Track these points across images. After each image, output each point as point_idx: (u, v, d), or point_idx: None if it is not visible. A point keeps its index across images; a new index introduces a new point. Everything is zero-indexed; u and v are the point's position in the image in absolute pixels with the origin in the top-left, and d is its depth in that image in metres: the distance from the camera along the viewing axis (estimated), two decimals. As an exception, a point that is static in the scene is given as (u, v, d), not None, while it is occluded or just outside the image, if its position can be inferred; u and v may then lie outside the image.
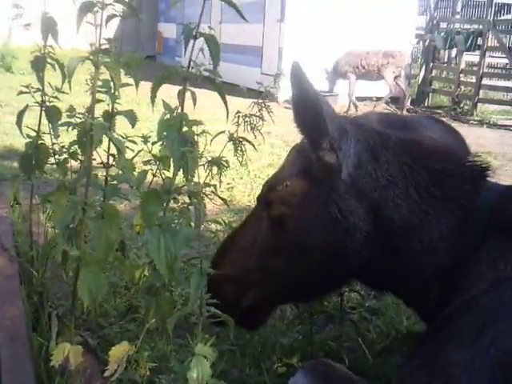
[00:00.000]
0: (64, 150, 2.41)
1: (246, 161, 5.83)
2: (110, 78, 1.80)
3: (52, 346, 1.74)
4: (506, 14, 19.03)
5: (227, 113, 1.74)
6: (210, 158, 2.12)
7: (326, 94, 10.76)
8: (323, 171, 1.80)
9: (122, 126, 2.08)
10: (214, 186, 1.69)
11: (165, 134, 1.65)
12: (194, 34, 1.66)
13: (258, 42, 13.83)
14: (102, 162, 2.12)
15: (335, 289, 2.14)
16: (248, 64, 13.99)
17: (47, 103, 2.32)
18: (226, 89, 1.83)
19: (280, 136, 7.62)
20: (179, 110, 1.72)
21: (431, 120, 2.20)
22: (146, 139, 1.89)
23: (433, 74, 14.22)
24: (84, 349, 1.94)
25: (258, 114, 2.35)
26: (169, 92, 1.80)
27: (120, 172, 2.06)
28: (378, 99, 11.89)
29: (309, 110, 1.74)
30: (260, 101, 2.35)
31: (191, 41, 1.67)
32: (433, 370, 1.52)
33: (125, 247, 2.60)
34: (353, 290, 2.73)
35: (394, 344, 2.37)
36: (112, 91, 1.88)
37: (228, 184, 5.31)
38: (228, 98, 1.83)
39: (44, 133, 2.39)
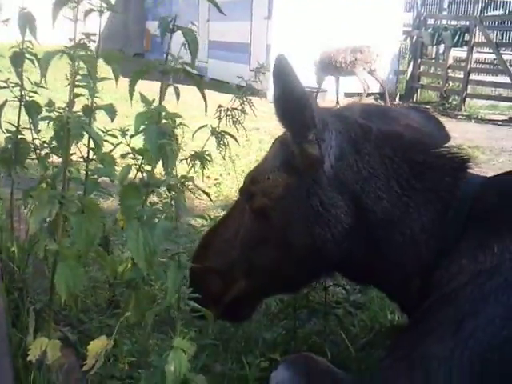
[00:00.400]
0: (45, 145, 2.39)
1: (232, 156, 5.82)
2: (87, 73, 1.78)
3: (29, 341, 1.72)
4: (493, 10, 19.08)
5: (205, 105, 1.72)
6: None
7: (312, 89, 10.80)
8: (306, 163, 1.80)
9: (105, 121, 2.06)
10: (192, 178, 1.67)
11: (143, 126, 1.63)
12: (171, 27, 1.64)
13: (246, 39, 13.81)
14: (82, 157, 2.10)
15: (317, 280, 2.14)
16: (236, 61, 13.96)
17: (27, 98, 2.30)
18: (214, 86, 1.83)
19: (268, 132, 7.60)
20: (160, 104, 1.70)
21: (412, 110, 2.21)
22: (124, 132, 1.86)
23: (421, 70, 14.25)
24: (64, 344, 1.94)
25: (240, 108, 2.33)
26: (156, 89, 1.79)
27: (100, 166, 2.05)
28: (369, 95, 11.91)
29: (295, 102, 1.73)
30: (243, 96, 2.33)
31: (168, 34, 1.64)
32: (412, 362, 1.52)
33: (108, 242, 2.59)
34: (338, 285, 2.73)
35: (378, 338, 2.37)
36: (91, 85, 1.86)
37: (215, 180, 5.30)
38: (217, 94, 1.83)
39: (24, 128, 2.36)
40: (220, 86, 10.11)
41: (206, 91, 1.79)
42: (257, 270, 1.96)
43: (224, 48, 14.65)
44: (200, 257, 2.10)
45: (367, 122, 1.86)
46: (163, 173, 1.68)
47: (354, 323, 2.58)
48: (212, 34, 15.68)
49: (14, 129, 2.36)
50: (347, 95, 11.82)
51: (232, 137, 2.19)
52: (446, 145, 1.86)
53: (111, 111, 1.97)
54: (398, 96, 13.45)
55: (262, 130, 7.97)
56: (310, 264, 1.88)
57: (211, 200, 2.25)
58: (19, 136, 2.36)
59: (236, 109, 2.31)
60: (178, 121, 1.69)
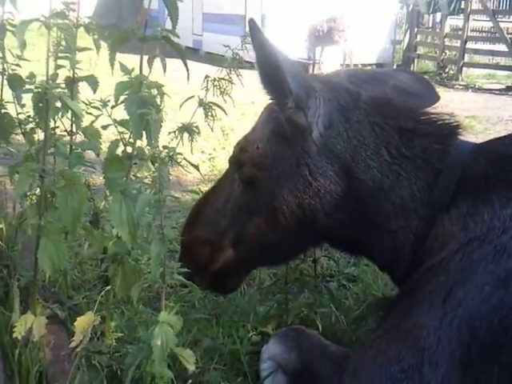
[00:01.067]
0: (30, 119, 2.34)
1: (226, 130, 5.77)
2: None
3: (15, 318, 1.70)
4: (490, -23, 18.88)
5: (187, 74, 1.68)
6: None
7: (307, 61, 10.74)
8: (293, 132, 1.78)
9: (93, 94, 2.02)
10: (173, 148, 1.63)
11: (123, 96, 1.59)
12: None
13: (241, 11, 13.65)
14: (65, 130, 2.06)
15: (307, 250, 2.12)
16: (231, 33, 13.82)
17: (9, 71, 2.24)
18: (209, 59, 1.78)
19: (264, 105, 7.53)
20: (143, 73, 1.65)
21: (400, 71, 2.17)
22: (104, 103, 1.82)
23: (417, 40, 14.13)
24: (53, 321, 1.92)
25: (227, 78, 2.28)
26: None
27: (85, 140, 2.01)
28: (364, 66, 11.82)
29: (268, 68, 1.70)
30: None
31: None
32: (403, 332, 1.51)
33: (98, 219, 2.55)
34: (331, 258, 2.71)
35: (370, 310, 2.35)
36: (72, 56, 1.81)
37: (209, 154, 5.26)
38: (211, 68, 1.79)
39: (8, 102, 2.31)
40: (214, 59, 10.04)
41: (201, 64, 1.75)
42: (245, 240, 1.94)
43: (219, 20, 14.49)
44: (190, 226, 2.09)
45: (356, 88, 1.83)
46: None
47: (347, 296, 2.56)
48: (206, 6, 15.51)
49: (-4, 103, 2.31)
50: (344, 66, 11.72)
51: (219, 107, 2.14)
52: (437, 111, 1.82)
53: (93, 82, 1.92)
54: (395, 66, 13.35)
55: (257, 103, 7.90)
56: (299, 234, 1.86)
57: (200, 173, 2.21)
58: (3, 110, 2.30)
59: (223, 79, 2.25)
60: (161, 90, 1.65)
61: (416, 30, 14.00)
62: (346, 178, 1.75)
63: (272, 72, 1.70)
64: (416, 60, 13.82)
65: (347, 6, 11.74)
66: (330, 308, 2.31)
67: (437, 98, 2.02)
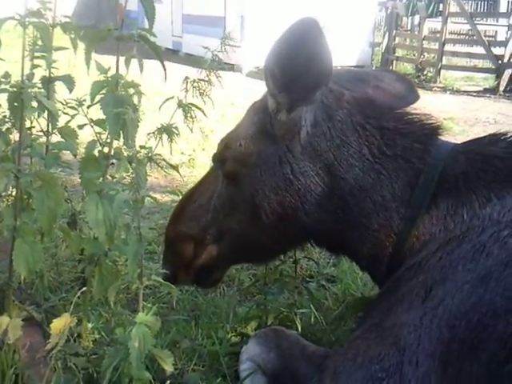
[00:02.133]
0: (6, 119, 2.31)
1: (206, 132, 5.75)
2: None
3: (-11, 321, 1.67)
4: (468, -20, 19.08)
5: (165, 74, 1.66)
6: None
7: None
8: (285, 129, 1.79)
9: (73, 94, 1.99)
10: (150, 148, 1.61)
11: (99, 96, 1.57)
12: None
13: (221, 13, 13.63)
14: (41, 130, 2.03)
15: (289, 249, 2.12)
16: (211, 35, 13.81)
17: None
18: (190, 61, 1.76)
19: (244, 107, 7.50)
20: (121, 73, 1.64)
21: (383, 71, 2.18)
22: (80, 103, 1.80)
23: (396, 42, 14.21)
24: (30, 323, 1.89)
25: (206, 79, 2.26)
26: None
27: (62, 140, 1.99)
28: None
29: (311, 63, 1.66)
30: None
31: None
32: (382, 332, 1.51)
33: (76, 220, 2.53)
34: (309, 258, 2.71)
35: (349, 310, 2.35)
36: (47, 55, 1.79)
37: (189, 155, 5.23)
38: (192, 69, 1.77)
39: (-17, 102, 2.28)
40: (196, 60, 10.04)
41: (180, 66, 1.74)
42: (227, 236, 1.96)
43: (199, 22, 14.44)
44: (174, 222, 2.11)
45: (339, 88, 1.84)
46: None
47: (326, 296, 2.56)
48: (186, 7, 15.46)
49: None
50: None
51: (198, 109, 2.13)
52: (419, 111, 1.83)
53: (69, 82, 1.90)
54: (374, 68, 13.42)
55: (237, 105, 7.91)
56: (280, 232, 1.87)
57: (179, 173, 2.20)
58: (-24, 110, 2.27)
59: (202, 80, 2.24)
60: (137, 90, 1.64)
61: (395, 32, 14.08)
62: (328, 176, 1.76)
63: (307, 70, 1.67)
64: (395, 62, 13.90)
65: (326, 7, 11.77)
66: (310, 308, 2.31)
67: (417, 98, 2.04)
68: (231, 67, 12.01)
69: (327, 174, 1.76)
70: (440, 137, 1.79)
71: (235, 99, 8.21)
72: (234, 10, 12.90)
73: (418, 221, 1.67)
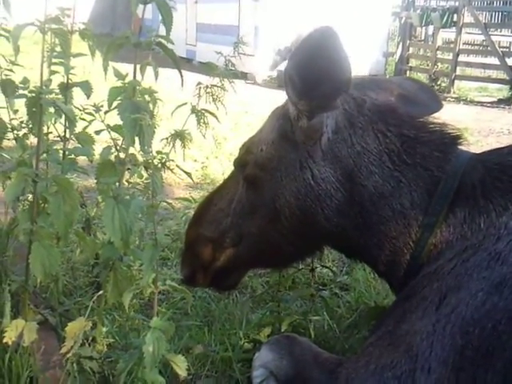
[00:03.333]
0: (23, 125, 2.33)
1: (219, 139, 5.80)
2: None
3: (5, 323, 1.68)
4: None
5: (182, 80, 1.67)
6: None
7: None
8: (307, 135, 1.80)
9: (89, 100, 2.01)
10: (166, 154, 1.63)
11: (116, 102, 1.58)
12: (145, -2, 1.58)
13: (235, 21, 13.69)
14: (58, 136, 2.05)
15: (307, 255, 2.12)
16: (225, 43, 13.85)
17: (2, 77, 2.24)
18: (203, 69, 1.78)
19: (257, 115, 7.55)
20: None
21: (405, 79, 2.19)
22: (98, 108, 1.82)
23: (410, 52, 14.19)
24: (44, 327, 1.91)
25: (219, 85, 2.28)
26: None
27: (78, 145, 2.01)
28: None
29: (332, 70, 1.67)
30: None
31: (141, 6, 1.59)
32: (395, 339, 1.51)
33: (90, 225, 2.54)
34: (325, 267, 2.72)
35: (362, 318, 2.35)
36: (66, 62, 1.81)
37: (202, 163, 5.25)
38: (205, 78, 1.79)
39: (1, 107, 2.31)
40: (208, 69, 10.09)
41: (194, 74, 1.75)
42: (246, 240, 1.97)
43: (212, 31, 14.51)
44: (194, 224, 2.13)
45: (361, 95, 1.84)
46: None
47: (339, 304, 2.56)
48: (200, 16, 15.53)
49: (-13, 108, 2.30)
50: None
51: (212, 114, 2.14)
52: (440, 120, 1.84)
53: (87, 88, 1.92)
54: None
55: (250, 113, 7.93)
56: (299, 237, 1.88)
57: (192, 180, 2.21)
58: (-6, 115, 2.30)
59: (215, 85, 2.25)
60: (153, 97, 1.65)
61: (408, 42, 14.07)
62: (348, 183, 1.77)
63: (329, 77, 1.68)
64: (408, 72, 13.87)
65: (339, 17, 11.79)
66: (323, 316, 2.30)
67: (440, 107, 2.05)
68: (245, 76, 12.05)
69: (347, 181, 1.77)
70: (460, 146, 1.80)
71: (249, 108, 8.24)
72: (248, 19, 12.95)
73: (435, 229, 1.68)
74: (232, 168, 2.12)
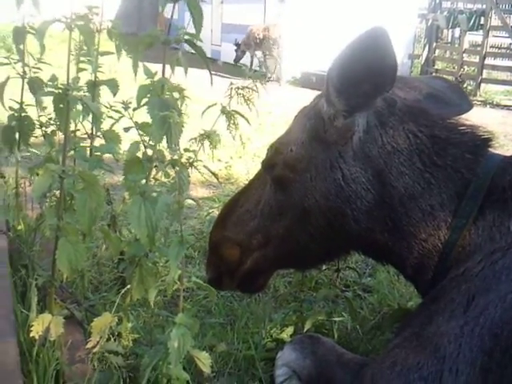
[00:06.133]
0: (51, 122, 2.36)
1: (241, 137, 5.80)
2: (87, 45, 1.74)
3: (32, 318, 1.70)
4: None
5: (211, 78, 1.68)
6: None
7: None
8: (339, 135, 1.78)
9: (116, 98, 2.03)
10: (194, 151, 1.63)
11: (145, 99, 1.59)
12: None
13: (260, 22, 13.69)
14: (86, 133, 2.07)
15: (335, 256, 2.10)
16: (250, 44, 13.87)
17: (31, 75, 2.27)
18: (227, 70, 1.77)
19: (281, 116, 7.55)
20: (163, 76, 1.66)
21: (434, 78, 2.16)
22: (126, 105, 1.83)
23: (436, 54, 14.09)
24: (70, 321, 1.93)
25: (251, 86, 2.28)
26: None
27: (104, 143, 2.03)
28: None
29: (379, 69, 1.65)
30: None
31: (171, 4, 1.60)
32: (422, 340, 1.50)
33: (116, 221, 2.56)
34: (351, 268, 2.71)
35: (386, 320, 2.34)
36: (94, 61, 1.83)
37: (226, 163, 5.26)
38: (229, 78, 1.78)
39: (29, 105, 2.33)
40: (234, 70, 10.13)
41: (219, 75, 1.74)
42: (274, 241, 1.95)
43: (238, 31, 14.51)
44: (219, 226, 2.10)
45: (391, 95, 1.81)
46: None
47: (362, 306, 2.55)
48: (225, 16, 15.57)
49: (17, 106, 2.33)
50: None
51: (243, 116, 2.14)
52: (471, 121, 1.82)
53: (114, 86, 1.94)
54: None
55: (274, 113, 7.93)
56: (328, 239, 1.86)
57: (218, 180, 2.22)
58: (23, 113, 2.32)
59: (247, 87, 2.25)
60: (182, 94, 1.66)
61: (435, 44, 13.97)
62: (378, 184, 1.75)
63: (375, 75, 1.67)
64: (434, 75, 13.77)
65: (365, 19, 11.74)
66: (346, 317, 2.30)
67: (470, 107, 2.03)
68: (269, 78, 12.06)
69: (377, 181, 1.75)
70: (491, 148, 1.78)
71: (272, 108, 8.23)
72: (273, 20, 12.95)
73: (464, 231, 1.66)
74: (256, 169, 2.11)
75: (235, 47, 13.11)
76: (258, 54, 12.53)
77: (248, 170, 4.98)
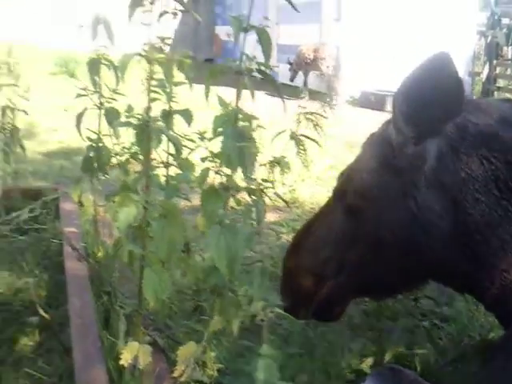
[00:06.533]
0: (125, 150, 2.40)
1: (308, 162, 5.77)
2: (163, 77, 1.77)
3: (121, 345, 1.72)
4: None
5: (283, 103, 1.67)
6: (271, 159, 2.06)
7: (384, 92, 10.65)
8: (410, 162, 1.75)
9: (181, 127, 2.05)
10: (272, 181, 1.63)
11: (220, 129, 1.60)
12: (245, 26, 1.60)
13: (316, 42, 13.69)
14: (162, 162, 2.09)
15: (411, 285, 2.06)
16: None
17: (105, 105, 2.32)
18: (284, 91, 1.77)
19: (340, 137, 7.50)
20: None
21: (503, 101, 2.10)
22: (202, 136, 1.85)
23: (497, 72, 13.78)
24: (153, 349, 1.94)
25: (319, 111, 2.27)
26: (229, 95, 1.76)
27: (179, 172, 2.04)
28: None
29: (445, 95, 1.65)
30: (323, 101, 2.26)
31: (242, 34, 1.60)
32: (509, 375, 1.44)
33: (189, 247, 2.58)
34: (429, 297, 2.64)
35: (467, 352, 2.25)
36: (167, 90, 1.85)
37: (290, 186, 5.23)
38: (288, 101, 1.79)
39: (104, 134, 2.38)
40: (291, 91, 10.12)
41: (275, 96, 1.75)
42: (348, 270, 1.92)
43: (294, 52, 14.56)
44: (292, 255, 2.09)
45: (462, 119, 1.77)
46: (242, 177, 1.65)
47: (441, 336, 2.47)
48: (282, 37, 15.65)
49: (94, 136, 2.38)
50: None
51: (313, 141, 2.13)
52: None
53: (188, 116, 1.95)
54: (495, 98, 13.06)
55: (333, 135, 7.88)
56: (403, 267, 1.83)
57: (288, 206, 2.20)
58: (100, 143, 2.38)
59: (316, 113, 2.25)
60: (255, 123, 1.66)
61: (495, 62, 13.68)
62: (453, 211, 1.71)
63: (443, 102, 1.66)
64: (496, 93, 13.43)
65: (424, 37, 11.64)
66: (428, 348, 2.22)
67: None
68: (325, 99, 12.04)
69: (452, 209, 1.71)
70: None
71: (331, 130, 8.19)
72: (330, 40, 12.94)
73: None
74: (320, 192, 2.09)
75: (289, 66, 13.17)
76: (312, 73, 12.54)
77: (312, 193, 4.94)
